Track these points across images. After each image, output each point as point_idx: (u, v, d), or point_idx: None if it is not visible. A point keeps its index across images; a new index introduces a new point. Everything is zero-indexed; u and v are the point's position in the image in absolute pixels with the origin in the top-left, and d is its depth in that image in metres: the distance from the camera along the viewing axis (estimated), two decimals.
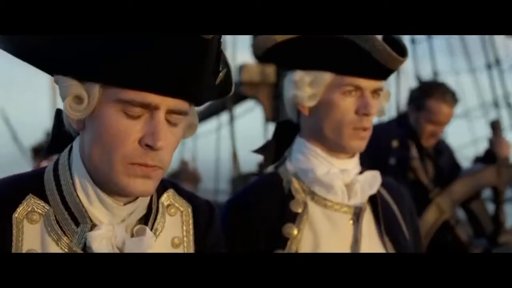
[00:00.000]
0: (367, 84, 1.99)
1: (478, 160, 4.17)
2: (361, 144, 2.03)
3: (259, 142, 2.24)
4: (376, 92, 2.02)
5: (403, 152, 3.76)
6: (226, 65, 1.54)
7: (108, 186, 1.46)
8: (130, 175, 1.43)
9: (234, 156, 7.59)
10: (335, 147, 2.05)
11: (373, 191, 2.08)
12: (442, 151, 4.10)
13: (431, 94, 3.84)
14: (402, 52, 1.98)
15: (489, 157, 3.89)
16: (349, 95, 1.99)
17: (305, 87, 2.02)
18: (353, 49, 1.95)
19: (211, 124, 9.51)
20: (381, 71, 2.01)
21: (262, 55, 2.07)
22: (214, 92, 1.53)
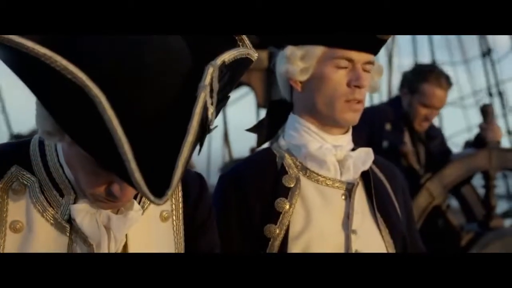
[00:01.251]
0: (359, 56, 2.00)
1: (468, 144, 4.18)
2: (354, 116, 2.04)
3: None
4: (367, 65, 2.03)
5: (396, 135, 3.76)
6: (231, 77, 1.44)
7: None
8: None
9: (227, 142, 7.57)
10: (328, 121, 2.05)
11: (366, 167, 2.08)
12: (434, 136, 4.10)
13: (425, 77, 3.85)
14: None
15: (480, 142, 3.90)
16: (341, 68, 2.00)
17: (297, 61, 2.02)
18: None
19: None
20: (372, 42, 2.01)
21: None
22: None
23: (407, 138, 3.90)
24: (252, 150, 5.16)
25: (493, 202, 3.80)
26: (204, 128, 1.25)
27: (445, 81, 3.90)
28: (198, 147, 1.27)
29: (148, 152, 1.19)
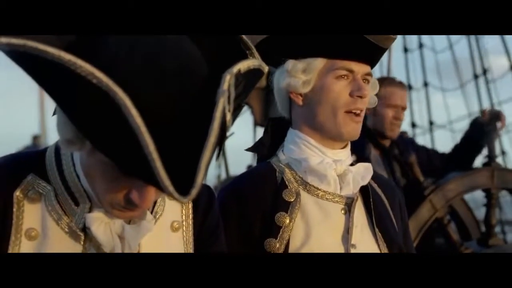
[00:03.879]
0: (359, 68, 2.03)
1: (456, 148, 4.37)
2: (356, 128, 2.05)
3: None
4: (366, 76, 2.05)
5: (361, 155, 3.78)
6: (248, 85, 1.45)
7: None
8: None
9: (224, 159, 7.56)
10: (330, 135, 2.06)
11: (365, 182, 2.09)
12: (406, 146, 4.16)
13: (381, 83, 3.93)
14: None
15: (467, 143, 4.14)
16: (342, 79, 2.02)
17: (299, 74, 2.04)
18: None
19: None
20: (373, 51, 2.04)
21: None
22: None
23: (374, 154, 3.99)
24: (249, 167, 5.13)
25: (493, 220, 3.79)
26: (223, 132, 1.27)
27: (399, 82, 4.14)
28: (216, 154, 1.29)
29: (171, 153, 1.20)
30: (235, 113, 1.35)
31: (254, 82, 1.42)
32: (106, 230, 1.47)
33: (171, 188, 1.18)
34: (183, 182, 1.20)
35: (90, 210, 1.48)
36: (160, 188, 1.19)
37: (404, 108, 4.11)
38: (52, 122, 1.64)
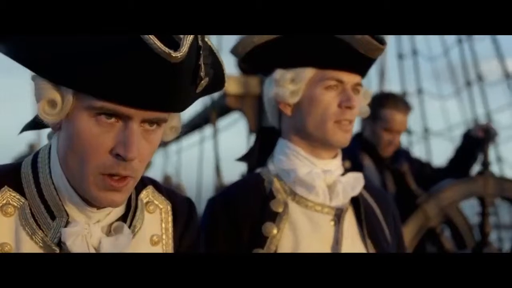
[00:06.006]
0: (348, 78, 2.00)
1: (451, 160, 4.32)
2: (345, 136, 2.03)
3: None
4: (356, 87, 2.03)
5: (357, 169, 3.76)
6: (216, 65, 1.47)
7: (82, 192, 1.43)
8: (100, 188, 1.39)
9: (217, 170, 7.53)
10: (319, 144, 2.04)
11: (355, 193, 2.07)
12: (401, 159, 4.11)
13: (383, 103, 3.93)
14: (380, 40, 1.99)
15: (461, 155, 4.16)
16: (331, 89, 2.00)
17: (287, 84, 2.02)
18: (333, 42, 1.96)
19: (194, 137, 9.45)
20: (362, 62, 2.02)
21: (243, 60, 2.09)
22: (196, 98, 1.48)
23: (371, 166, 3.95)
24: (243, 176, 5.09)
25: (487, 229, 3.76)
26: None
27: (403, 105, 4.02)
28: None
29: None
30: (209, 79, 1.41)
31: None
32: (82, 244, 1.44)
33: (160, 44, 1.26)
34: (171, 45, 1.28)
35: (66, 225, 1.45)
36: (152, 50, 1.26)
37: (402, 132, 4.07)
38: (47, 130, 1.63)
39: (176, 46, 1.29)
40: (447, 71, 8.27)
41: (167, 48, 1.27)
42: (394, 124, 3.95)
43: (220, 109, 7.55)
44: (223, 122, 8.29)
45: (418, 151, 7.32)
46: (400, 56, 8.57)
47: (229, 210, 2.02)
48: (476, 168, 4.11)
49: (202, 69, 1.38)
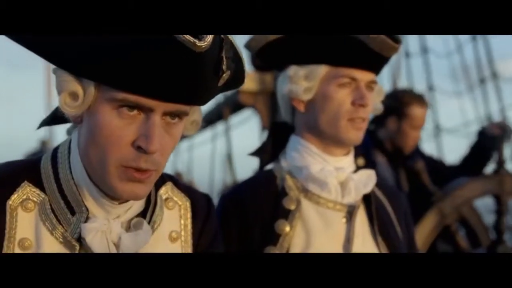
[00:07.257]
0: (362, 76, 2.00)
1: (465, 158, 4.29)
2: (358, 134, 2.02)
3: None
4: (370, 84, 2.02)
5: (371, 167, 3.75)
6: (236, 60, 1.47)
7: (103, 185, 1.43)
8: (122, 179, 1.38)
9: (230, 164, 7.53)
10: (332, 141, 2.03)
11: (367, 190, 2.06)
12: (415, 157, 4.11)
13: (409, 101, 3.95)
14: (395, 38, 1.98)
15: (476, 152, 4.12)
16: (344, 87, 1.99)
17: (301, 80, 2.02)
18: (347, 39, 1.95)
19: (205, 135, 9.45)
20: (376, 60, 2.01)
21: (256, 56, 2.08)
22: (218, 91, 1.48)
23: (384, 164, 3.94)
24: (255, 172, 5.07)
25: (502, 227, 3.74)
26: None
27: (425, 101, 4.07)
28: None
29: None
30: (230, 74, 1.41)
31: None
32: (102, 240, 1.44)
33: (186, 36, 1.26)
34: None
35: (86, 220, 1.45)
36: (176, 45, 1.27)
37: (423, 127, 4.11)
38: (60, 127, 1.63)
39: (199, 38, 1.29)
40: (460, 69, 8.23)
41: (192, 38, 1.27)
42: (421, 120, 3.97)
43: (233, 106, 7.55)
44: (236, 119, 8.28)
45: (428, 148, 7.29)
46: (407, 54, 8.54)
47: (241, 208, 2.02)
48: (490, 166, 4.09)
49: (224, 62, 1.37)
